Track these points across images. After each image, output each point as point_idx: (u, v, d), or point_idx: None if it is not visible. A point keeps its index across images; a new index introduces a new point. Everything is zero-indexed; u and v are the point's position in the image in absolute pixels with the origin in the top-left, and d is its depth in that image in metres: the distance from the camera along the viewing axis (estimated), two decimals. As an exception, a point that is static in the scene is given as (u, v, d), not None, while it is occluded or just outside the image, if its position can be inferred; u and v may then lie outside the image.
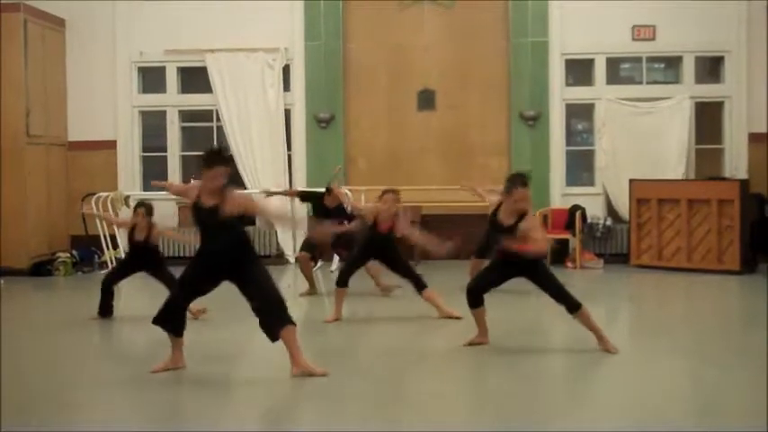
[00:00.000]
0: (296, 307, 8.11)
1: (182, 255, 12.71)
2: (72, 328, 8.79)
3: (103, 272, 12.77)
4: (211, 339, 8.06)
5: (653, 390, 6.19)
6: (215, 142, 13.93)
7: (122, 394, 6.28)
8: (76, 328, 8.75)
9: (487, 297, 7.51)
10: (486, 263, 9.94)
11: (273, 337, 6.34)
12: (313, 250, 10.59)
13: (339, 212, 10.35)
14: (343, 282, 8.92)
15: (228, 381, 6.69)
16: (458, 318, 8.56)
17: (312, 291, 10.62)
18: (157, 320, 6.54)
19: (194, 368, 7.17)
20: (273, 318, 6.29)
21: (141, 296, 11.75)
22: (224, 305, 9.38)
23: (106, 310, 9.08)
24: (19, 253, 12.51)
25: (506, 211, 7.13)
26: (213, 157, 6.27)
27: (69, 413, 5.76)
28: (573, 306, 7.16)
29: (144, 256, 9.05)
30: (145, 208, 9.00)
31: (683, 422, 5.49)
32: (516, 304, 9.62)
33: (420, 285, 8.78)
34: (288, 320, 6.34)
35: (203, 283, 6.49)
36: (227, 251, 6.30)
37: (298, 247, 11.78)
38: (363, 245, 9.05)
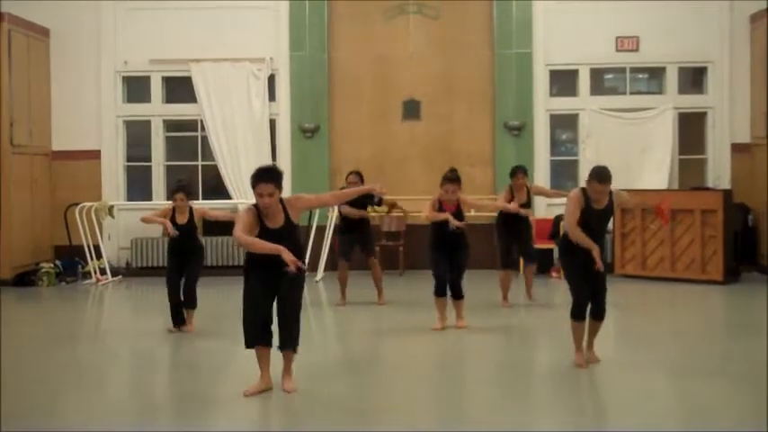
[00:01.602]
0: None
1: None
2: (55, 340, 8.73)
3: (87, 282, 12.77)
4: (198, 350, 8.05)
5: (638, 399, 6.21)
6: (199, 154, 13.94)
7: (105, 404, 6.26)
8: (59, 341, 8.69)
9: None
10: (510, 273, 10.07)
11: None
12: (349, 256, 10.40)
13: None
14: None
15: (215, 392, 6.67)
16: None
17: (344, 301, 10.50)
18: None
19: (180, 378, 7.17)
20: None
21: (125, 308, 11.74)
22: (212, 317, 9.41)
23: (178, 320, 8.82)
24: (2, 263, 12.44)
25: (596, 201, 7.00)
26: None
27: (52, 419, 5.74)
28: (604, 314, 7.12)
29: (186, 241, 8.81)
30: (184, 191, 8.83)
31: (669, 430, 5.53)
32: (492, 315, 9.67)
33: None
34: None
35: None
36: None
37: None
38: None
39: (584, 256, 6.95)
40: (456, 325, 8.75)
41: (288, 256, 5.98)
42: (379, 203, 10.23)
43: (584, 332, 7.16)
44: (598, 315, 7.11)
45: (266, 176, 6.21)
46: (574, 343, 7.17)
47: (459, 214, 8.69)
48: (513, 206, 9.68)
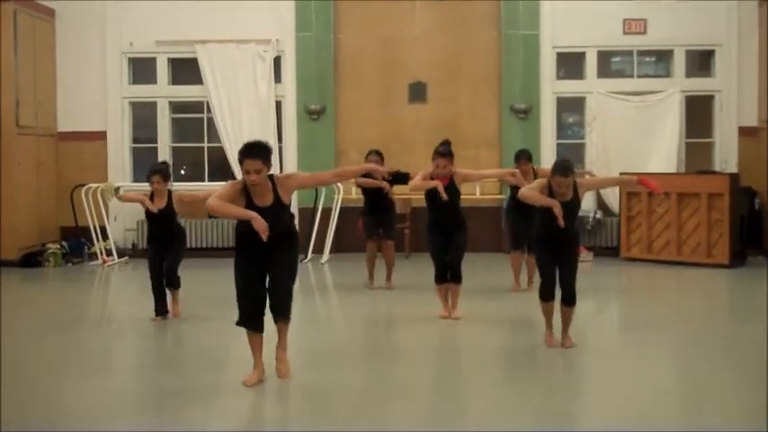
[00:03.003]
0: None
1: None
2: (59, 322, 8.75)
3: (93, 263, 12.80)
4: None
5: (642, 385, 6.19)
6: (205, 135, 13.93)
7: (109, 396, 6.28)
8: (64, 323, 8.71)
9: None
10: (520, 255, 9.99)
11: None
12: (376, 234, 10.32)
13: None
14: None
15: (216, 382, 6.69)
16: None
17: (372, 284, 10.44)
18: None
19: (180, 364, 7.18)
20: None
21: (130, 290, 11.76)
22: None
23: (161, 308, 8.63)
24: (9, 244, 12.46)
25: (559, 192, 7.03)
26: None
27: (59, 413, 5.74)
28: (573, 299, 7.17)
29: (165, 226, 8.58)
30: (160, 174, 8.54)
31: (673, 417, 5.50)
32: (498, 299, 9.65)
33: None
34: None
35: None
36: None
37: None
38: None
39: (554, 242, 7.06)
40: (451, 316, 8.49)
41: (258, 224, 5.80)
42: (405, 181, 9.92)
43: (553, 312, 7.26)
44: (567, 300, 7.17)
45: (253, 152, 5.97)
46: (545, 322, 7.31)
47: (452, 188, 8.33)
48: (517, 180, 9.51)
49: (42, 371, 6.70)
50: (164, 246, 8.60)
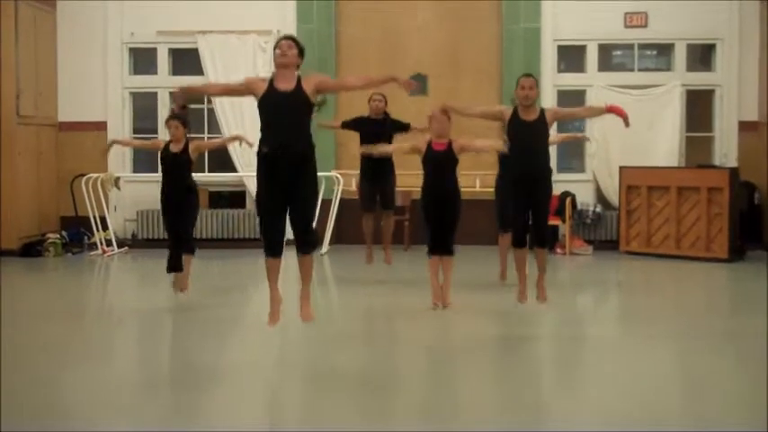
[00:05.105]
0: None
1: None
2: (60, 312, 8.77)
3: (93, 253, 12.81)
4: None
5: (642, 378, 6.21)
6: (206, 125, 13.94)
7: (109, 387, 6.29)
8: (64, 313, 8.74)
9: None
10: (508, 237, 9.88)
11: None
12: (373, 207, 10.09)
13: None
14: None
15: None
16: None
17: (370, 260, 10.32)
18: None
19: (187, 348, 7.20)
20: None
21: (130, 280, 11.78)
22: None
23: (173, 265, 8.39)
24: (9, 233, 12.49)
25: (524, 111, 7.30)
26: None
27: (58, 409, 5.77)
28: (546, 241, 7.38)
29: (180, 176, 8.27)
30: (179, 119, 8.30)
31: (670, 411, 5.52)
32: (495, 290, 9.66)
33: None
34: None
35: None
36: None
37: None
38: None
39: (526, 176, 7.34)
40: (442, 302, 8.33)
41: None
42: (407, 128, 9.97)
43: (527, 261, 7.43)
44: (541, 241, 7.40)
45: (291, 37, 6.54)
46: (518, 276, 7.64)
47: (449, 155, 8.19)
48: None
49: (41, 361, 6.70)
50: (177, 200, 8.34)
